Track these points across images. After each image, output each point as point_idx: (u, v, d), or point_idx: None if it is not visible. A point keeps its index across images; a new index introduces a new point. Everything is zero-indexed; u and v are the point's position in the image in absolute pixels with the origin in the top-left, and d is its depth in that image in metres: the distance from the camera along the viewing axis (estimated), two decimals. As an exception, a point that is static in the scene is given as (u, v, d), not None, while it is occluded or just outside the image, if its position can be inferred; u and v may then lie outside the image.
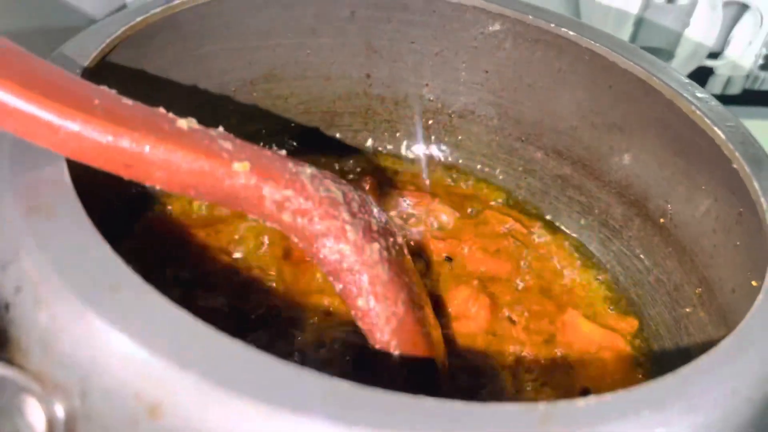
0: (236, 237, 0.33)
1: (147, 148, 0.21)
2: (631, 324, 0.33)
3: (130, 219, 0.33)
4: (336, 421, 0.13)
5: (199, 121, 0.34)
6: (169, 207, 0.34)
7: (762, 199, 0.23)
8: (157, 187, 0.22)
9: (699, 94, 0.28)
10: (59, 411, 0.16)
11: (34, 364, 0.18)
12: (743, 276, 0.27)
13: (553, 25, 0.32)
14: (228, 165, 0.22)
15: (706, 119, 0.27)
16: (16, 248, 0.19)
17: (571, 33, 0.32)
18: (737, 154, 0.25)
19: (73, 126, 0.20)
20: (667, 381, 0.15)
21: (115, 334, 0.17)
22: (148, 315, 0.17)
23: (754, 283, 0.26)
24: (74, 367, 0.16)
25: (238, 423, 0.13)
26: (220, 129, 0.23)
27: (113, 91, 0.22)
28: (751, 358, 0.17)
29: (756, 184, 0.24)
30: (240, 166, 0.22)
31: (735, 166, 0.25)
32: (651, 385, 0.15)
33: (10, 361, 0.18)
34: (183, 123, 0.22)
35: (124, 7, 0.39)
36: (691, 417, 0.15)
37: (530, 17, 0.33)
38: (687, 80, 0.29)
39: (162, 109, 0.22)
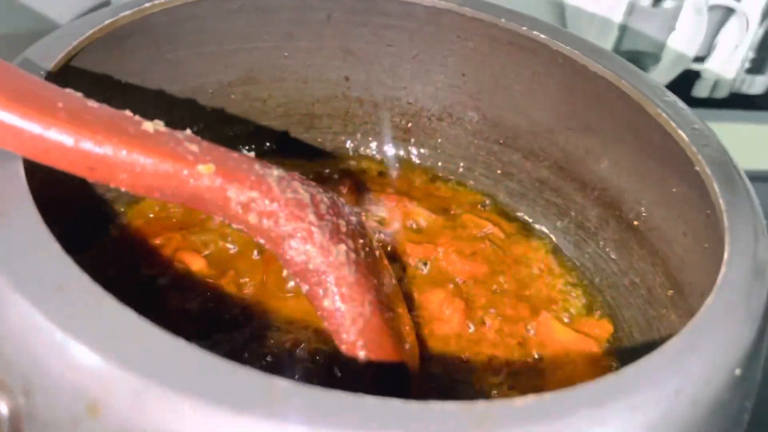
0: (211, 237, 0.33)
1: (110, 151, 0.21)
2: (605, 329, 0.33)
3: (105, 221, 0.33)
4: (270, 418, 0.13)
5: (176, 125, 0.34)
6: (146, 209, 0.34)
7: (720, 200, 0.24)
8: (122, 189, 0.22)
9: (666, 98, 0.28)
10: (3, 408, 0.16)
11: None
12: (712, 278, 0.27)
13: (525, 29, 0.33)
14: (193, 167, 0.22)
15: (671, 122, 0.27)
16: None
17: (542, 36, 0.32)
18: (699, 156, 0.25)
19: (35, 129, 0.20)
20: (609, 380, 0.15)
21: (58, 333, 0.17)
22: (91, 314, 0.17)
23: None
24: (18, 366, 0.16)
25: (176, 422, 0.14)
26: (188, 131, 0.23)
27: (79, 94, 0.22)
28: (697, 358, 0.17)
29: (716, 186, 0.24)
30: (205, 168, 0.22)
31: (697, 168, 0.25)
32: (592, 385, 0.15)
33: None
34: (149, 125, 0.22)
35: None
36: (629, 416, 0.15)
37: (503, 20, 0.33)
38: (655, 83, 0.29)
39: (128, 112, 0.23)
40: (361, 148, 0.40)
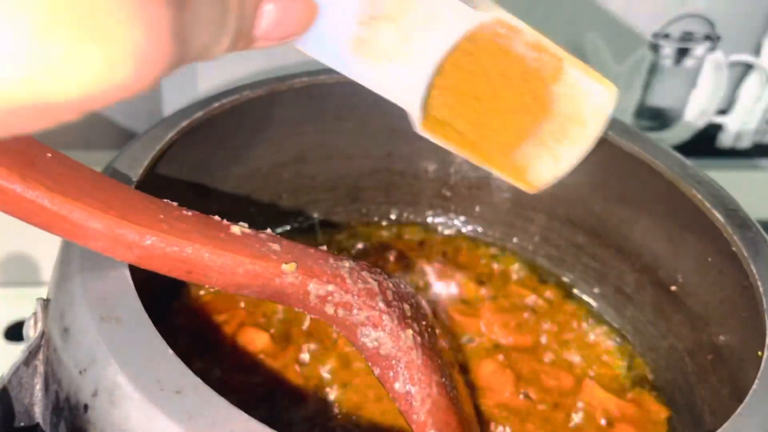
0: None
1: (206, 257, 0.23)
2: (648, 394, 0.34)
3: (172, 294, 0.35)
4: None
5: (235, 204, 0.37)
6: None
7: (759, 283, 0.25)
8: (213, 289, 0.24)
9: (700, 177, 0.30)
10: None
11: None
12: (750, 346, 0.29)
13: (562, 111, 0.35)
14: (277, 266, 0.25)
15: (706, 203, 0.29)
16: (92, 355, 0.22)
17: (579, 118, 0.35)
18: (735, 237, 0.27)
19: (143, 241, 0.22)
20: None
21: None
22: (209, 415, 0.19)
23: (759, 353, 0.28)
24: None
25: None
26: (268, 231, 0.26)
27: (173, 204, 0.25)
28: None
29: (753, 268, 0.26)
30: (288, 267, 0.25)
31: (734, 249, 0.27)
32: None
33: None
34: (236, 229, 0.25)
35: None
36: None
37: (541, 103, 0.36)
38: (689, 163, 0.32)
39: (217, 217, 0.25)
40: (404, 218, 0.43)
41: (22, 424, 0.23)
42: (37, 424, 0.24)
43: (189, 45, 0.16)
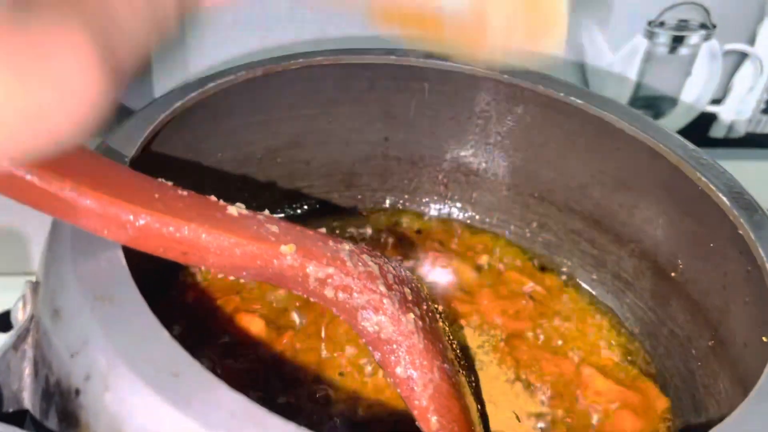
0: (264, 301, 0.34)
1: (202, 237, 0.23)
2: (647, 379, 0.34)
3: (166, 281, 0.34)
4: None
5: (228, 188, 0.36)
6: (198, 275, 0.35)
7: (767, 266, 0.25)
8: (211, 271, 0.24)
9: (704, 161, 0.30)
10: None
11: (105, 447, 0.19)
12: (754, 331, 0.29)
13: (562, 95, 0.34)
14: (276, 248, 0.24)
15: (711, 185, 0.29)
16: (84, 337, 0.21)
17: (579, 101, 0.34)
18: (742, 220, 0.27)
19: (137, 221, 0.22)
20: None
21: (179, 417, 0.18)
22: (209, 399, 0.19)
23: (764, 338, 0.28)
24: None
25: None
26: (266, 213, 0.25)
27: (168, 183, 0.24)
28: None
29: (761, 251, 0.26)
30: (287, 249, 0.24)
31: (740, 232, 0.27)
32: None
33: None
34: (233, 210, 0.24)
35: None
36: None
37: (540, 87, 0.35)
38: (692, 146, 0.31)
39: (213, 197, 0.24)
40: (401, 205, 0.42)
41: (11, 410, 0.22)
42: (27, 410, 0.23)
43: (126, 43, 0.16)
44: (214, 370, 0.20)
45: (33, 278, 0.25)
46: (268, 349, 0.32)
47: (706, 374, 0.32)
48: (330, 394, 0.31)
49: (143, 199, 0.22)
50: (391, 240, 0.40)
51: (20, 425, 0.22)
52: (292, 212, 0.40)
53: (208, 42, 0.40)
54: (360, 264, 0.25)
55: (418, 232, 0.41)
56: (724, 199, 0.28)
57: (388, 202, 0.42)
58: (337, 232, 0.40)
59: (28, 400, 0.23)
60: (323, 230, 0.26)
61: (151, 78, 0.42)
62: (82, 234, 0.22)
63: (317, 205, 0.41)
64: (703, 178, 0.29)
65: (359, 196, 0.42)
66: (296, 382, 0.31)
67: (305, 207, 0.41)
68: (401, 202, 0.42)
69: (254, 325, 0.33)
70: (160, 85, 0.41)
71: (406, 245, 0.40)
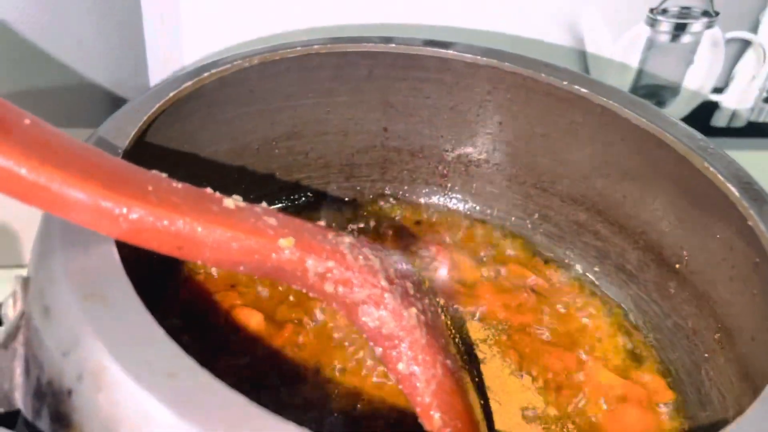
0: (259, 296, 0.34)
1: (198, 231, 0.22)
2: (652, 372, 0.34)
3: (165, 277, 0.34)
4: None
5: (224, 180, 0.35)
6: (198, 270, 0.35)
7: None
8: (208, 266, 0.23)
9: (711, 150, 0.29)
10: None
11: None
12: (762, 324, 0.28)
13: (565, 83, 0.34)
14: (274, 241, 0.23)
15: (719, 176, 0.28)
16: (76, 336, 0.20)
17: (583, 90, 0.33)
18: (752, 211, 0.26)
19: (130, 214, 0.21)
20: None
21: (175, 420, 0.18)
22: (203, 400, 0.18)
23: (774, 331, 0.27)
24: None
25: None
26: (264, 205, 0.24)
27: (162, 175, 0.23)
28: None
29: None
30: (285, 242, 0.23)
31: (750, 223, 0.26)
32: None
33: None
34: (230, 202, 0.23)
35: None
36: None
37: (543, 75, 0.34)
38: (700, 135, 0.30)
39: (209, 189, 0.23)
40: (400, 196, 0.41)
41: (2, 410, 0.22)
42: (18, 411, 0.22)
43: None
44: (211, 368, 0.19)
45: (25, 272, 0.24)
46: (267, 344, 0.32)
47: (712, 368, 0.32)
48: (330, 389, 0.30)
49: (137, 191, 0.21)
50: (390, 232, 0.39)
51: (12, 426, 0.22)
52: (290, 204, 0.40)
53: (203, 31, 0.39)
54: (360, 257, 0.25)
55: (418, 223, 0.40)
56: (733, 189, 0.27)
57: (388, 193, 0.41)
58: (335, 224, 0.39)
59: (19, 400, 0.22)
60: (322, 222, 0.25)
61: (146, 68, 0.41)
62: (74, 228, 0.21)
63: (315, 197, 0.40)
64: (711, 168, 0.28)
65: (358, 188, 0.41)
66: (296, 378, 0.31)
67: (303, 199, 0.40)
68: (401, 193, 0.41)
69: (253, 319, 0.32)
70: (155, 75, 0.40)
71: (405, 237, 0.39)
